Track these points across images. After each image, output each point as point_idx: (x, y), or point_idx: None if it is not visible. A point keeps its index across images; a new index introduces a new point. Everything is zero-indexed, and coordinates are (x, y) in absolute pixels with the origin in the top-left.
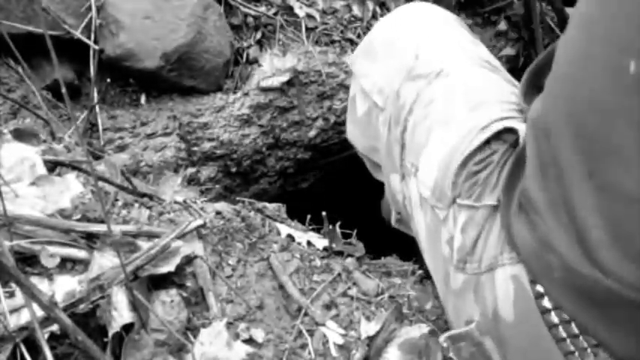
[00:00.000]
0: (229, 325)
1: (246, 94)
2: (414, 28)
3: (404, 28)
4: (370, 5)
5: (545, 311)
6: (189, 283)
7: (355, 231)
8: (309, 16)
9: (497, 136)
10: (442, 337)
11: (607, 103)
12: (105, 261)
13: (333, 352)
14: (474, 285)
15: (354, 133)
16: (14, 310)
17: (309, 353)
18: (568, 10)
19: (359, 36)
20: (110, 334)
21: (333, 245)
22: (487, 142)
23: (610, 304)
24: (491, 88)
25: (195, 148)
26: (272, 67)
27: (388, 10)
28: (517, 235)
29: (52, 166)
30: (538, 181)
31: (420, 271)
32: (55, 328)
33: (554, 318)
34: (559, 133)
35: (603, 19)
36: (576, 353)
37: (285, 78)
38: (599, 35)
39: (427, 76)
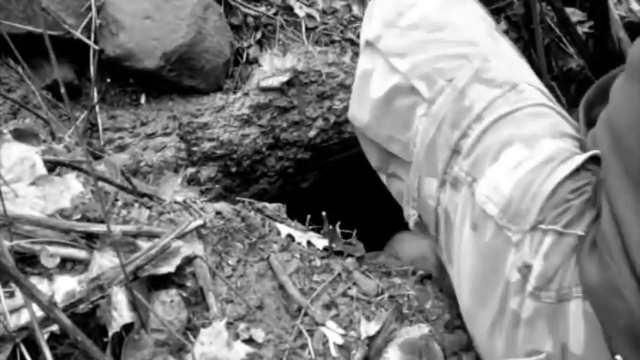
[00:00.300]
0: (229, 325)
1: (246, 94)
2: (468, 19)
3: (455, 15)
4: None
5: (613, 354)
6: (189, 283)
7: (355, 231)
8: (309, 16)
9: (585, 167)
10: None
11: None
12: (105, 261)
13: (333, 352)
14: (548, 314)
15: (361, 116)
16: (14, 310)
17: (309, 353)
18: None
19: (359, 36)
20: (110, 334)
21: (333, 245)
22: (577, 170)
23: None
24: (563, 121)
25: (195, 148)
26: (272, 67)
27: None
28: (587, 273)
29: (52, 166)
30: (614, 225)
31: (421, 272)
32: (55, 328)
33: None
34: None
35: None
36: None
37: (285, 78)
38: None
39: (501, 85)
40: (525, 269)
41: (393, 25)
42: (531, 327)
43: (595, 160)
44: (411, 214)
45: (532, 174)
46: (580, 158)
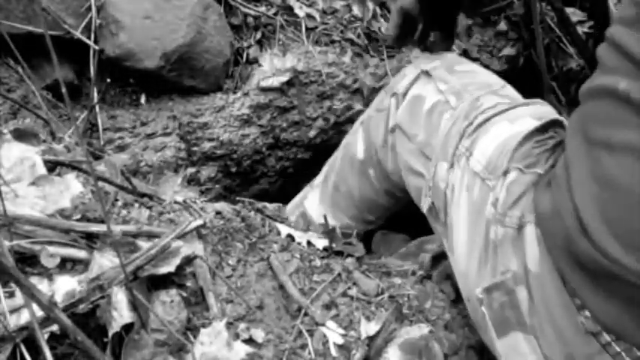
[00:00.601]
0: (229, 325)
1: (246, 94)
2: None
3: (481, 70)
4: (370, 5)
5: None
6: (189, 283)
7: (355, 231)
8: (309, 16)
9: (553, 128)
10: (478, 290)
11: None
12: (105, 261)
13: (333, 352)
14: (512, 238)
15: (413, 130)
16: (14, 310)
17: (309, 353)
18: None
19: (359, 36)
20: (110, 334)
21: (333, 245)
22: (545, 131)
23: (596, 273)
24: (551, 110)
25: (195, 148)
26: (272, 67)
27: (388, 10)
28: (540, 202)
29: (52, 166)
30: (564, 165)
31: (421, 272)
32: (55, 328)
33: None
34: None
35: None
36: (575, 309)
37: (285, 78)
38: None
39: (510, 98)
40: (496, 201)
41: (447, 68)
42: (501, 250)
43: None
44: (425, 201)
45: (510, 138)
46: (546, 118)
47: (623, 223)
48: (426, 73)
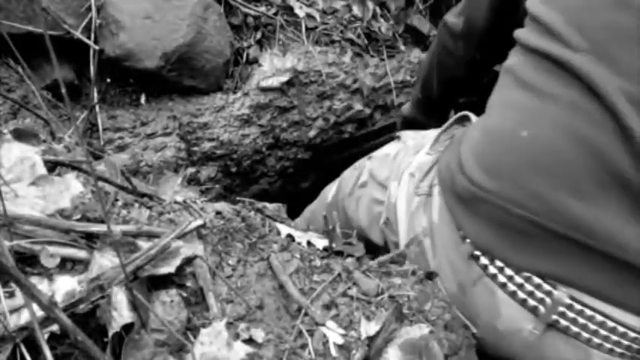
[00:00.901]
0: (229, 325)
1: (246, 94)
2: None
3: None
4: (370, 5)
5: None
6: (189, 283)
7: (355, 231)
8: (309, 16)
9: (462, 122)
10: (403, 246)
11: None
12: (105, 261)
13: (333, 352)
14: (424, 202)
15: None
16: (14, 310)
17: (309, 353)
18: None
19: (359, 36)
20: (110, 334)
21: (333, 245)
22: (451, 124)
23: (469, 201)
24: None
25: (195, 148)
26: (272, 67)
27: (388, 10)
28: (439, 163)
29: (52, 166)
30: (461, 137)
31: (421, 272)
32: (55, 328)
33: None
34: None
35: None
36: (460, 240)
37: (285, 78)
38: None
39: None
40: (416, 183)
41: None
42: (417, 214)
43: None
44: (382, 218)
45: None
46: (454, 117)
47: (488, 157)
48: (398, 137)
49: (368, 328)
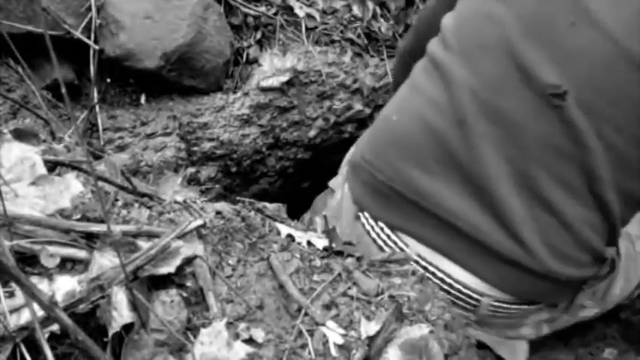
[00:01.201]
0: (229, 325)
1: (246, 94)
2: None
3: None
4: (370, 5)
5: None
6: (189, 283)
7: None
8: (309, 16)
9: None
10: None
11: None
12: (105, 261)
13: (333, 352)
14: (341, 185)
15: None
16: (14, 310)
17: (309, 353)
18: None
19: (359, 36)
20: (110, 334)
21: (333, 245)
22: None
23: (358, 170)
24: None
25: (195, 148)
26: (272, 67)
27: (388, 10)
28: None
29: (52, 166)
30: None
31: (421, 272)
32: (55, 328)
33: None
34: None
35: None
36: (352, 204)
37: (285, 78)
38: None
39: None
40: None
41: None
42: (340, 197)
43: None
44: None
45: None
46: None
47: (373, 135)
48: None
49: (368, 328)
